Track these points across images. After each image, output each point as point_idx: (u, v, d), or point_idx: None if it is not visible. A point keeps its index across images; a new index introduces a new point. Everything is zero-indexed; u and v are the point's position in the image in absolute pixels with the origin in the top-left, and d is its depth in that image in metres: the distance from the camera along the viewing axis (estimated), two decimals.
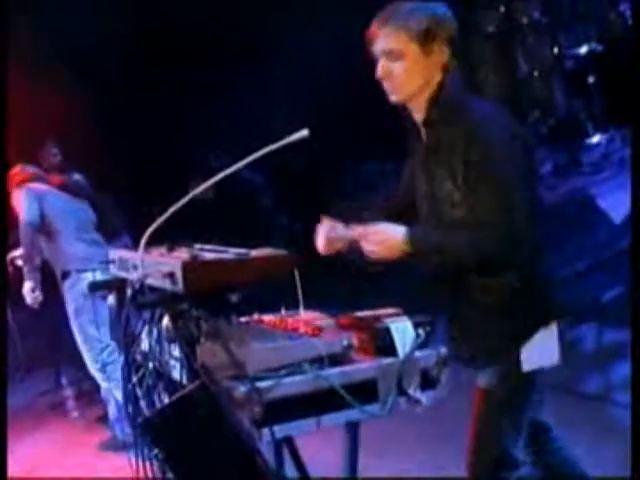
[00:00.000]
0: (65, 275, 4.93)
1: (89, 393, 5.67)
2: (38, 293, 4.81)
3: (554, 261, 2.75)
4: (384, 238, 2.39)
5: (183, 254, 2.12)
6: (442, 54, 2.46)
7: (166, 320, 2.00)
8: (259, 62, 7.45)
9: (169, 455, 1.94)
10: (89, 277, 4.51)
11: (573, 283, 5.00)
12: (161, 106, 7.39)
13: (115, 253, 2.46)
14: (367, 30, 2.50)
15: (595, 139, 5.95)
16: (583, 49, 6.09)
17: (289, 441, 2.40)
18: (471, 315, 2.47)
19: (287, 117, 7.10)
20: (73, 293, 4.81)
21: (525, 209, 2.36)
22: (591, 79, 6.06)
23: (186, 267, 1.93)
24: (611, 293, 5.02)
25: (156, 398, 2.21)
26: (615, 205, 5.32)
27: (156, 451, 2.00)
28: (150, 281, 2.07)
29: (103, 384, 4.82)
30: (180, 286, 1.94)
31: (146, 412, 2.17)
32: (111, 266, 2.47)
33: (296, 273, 2.15)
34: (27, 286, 4.80)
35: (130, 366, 2.23)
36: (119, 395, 4.37)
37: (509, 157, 2.37)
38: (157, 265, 2.07)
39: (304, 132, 2.34)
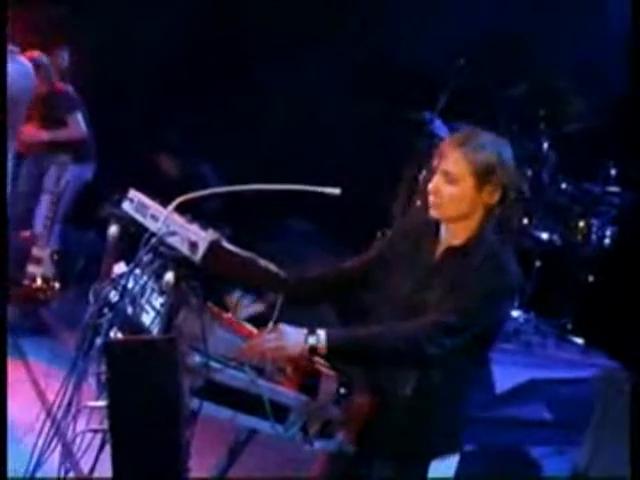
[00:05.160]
0: None
1: None
2: None
3: None
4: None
5: (204, 231, 2.43)
6: (492, 196, 2.66)
7: (169, 276, 2.30)
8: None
9: (113, 381, 2.23)
10: None
11: None
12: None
13: (135, 194, 2.73)
14: (442, 144, 2.75)
15: (515, 313, 6.42)
16: (545, 235, 6.59)
17: None
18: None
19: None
20: None
21: (460, 342, 2.61)
22: (537, 263, 6.58)
23: (212, 245, 2.25)
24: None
25: (112, 332, 2.49)
26: (502, 377, 5.68)
27: (103, 371, 2.30)
28: (169, 238, 2.38)
29: None
30: (198, 258, 2.26)
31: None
32: (127, 202, 2.73)
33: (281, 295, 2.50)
34: None
35: (106, 294, 2.52)
36: None
37: (491, 303, 2.63)
38: (181, 229, 2.38)
39: (336, 190, 2.69)
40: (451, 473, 2.82)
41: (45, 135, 6.13)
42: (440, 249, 2.78)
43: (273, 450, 3.26)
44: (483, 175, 2.65)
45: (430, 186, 2.72)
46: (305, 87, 7.44)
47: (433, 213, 2.74)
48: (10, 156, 5.07)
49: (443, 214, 2.73)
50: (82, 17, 7.17)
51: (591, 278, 6.47)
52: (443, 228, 2.79)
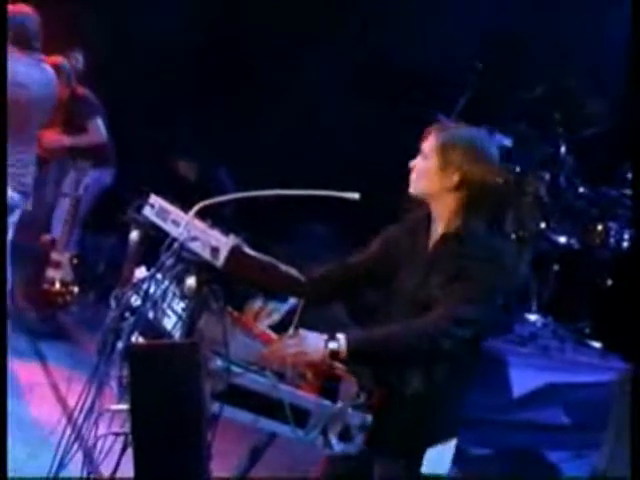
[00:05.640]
0: None
1: None
2: None
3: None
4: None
5: (225, 236, 2.44)
6: (451, 178, 2.80)
7: (191, 281, 2.32)
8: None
9: (135, 384, 2.25)
10: None
11: None
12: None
13: (156, 200, 2.75)
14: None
15: (532, 317, 6.41)
16: (562, 239, 6.57)
17: None
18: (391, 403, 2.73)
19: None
20: None
21: (470, 332, 2.70)
22: (555, 267, 6.56)
23: (234, 250, 2.27)
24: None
25: (134, 336, 2.51)
26: (519, 381, 5.66)
27: (124, 374, 2.32)
28: (191, 244, 2.40)
29: None
30: (220, 263, 2.27)
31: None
32: (147, 208, 2.76)
33: (302, 300, 2.52)
34: None
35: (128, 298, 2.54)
36: None
37: (494, 288, 2.76)
38: (203, 234, 2.39)
39: (355, 195, 2.72)
40: (450, 456, 2.88)
41: (67, 140, 6.16)
42: (432, 241, 2.89)
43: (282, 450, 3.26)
44: (444, 153, 2.81)
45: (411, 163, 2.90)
46: (313, 88, 7.47)
47: (410, 190, 2.89)
48: (30, 161, 5.11)
49: (414, 189, 2.89)
50: (95, 19, 7.22)
51: (609, 282, 6.43)
52: (434, 221, 2.90)
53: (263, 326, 2.68)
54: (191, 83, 7.74)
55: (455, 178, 2.81)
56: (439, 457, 2.81)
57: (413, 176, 2.89)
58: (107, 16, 7.33)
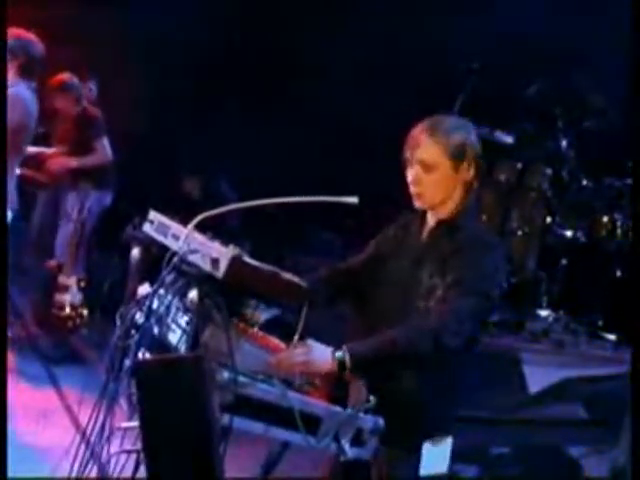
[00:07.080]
0: None
1: None
2: None
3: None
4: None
5: (225, 247, 2.43)
6: (468, 172, 2.82)
7: (193, 294, 2.32)
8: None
9: (144, 401, 2.24)
10: None
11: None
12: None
13: (155, 215, 2.75)
14: (410, 133, 2.85)
15: (544, 312, 6.39)
16: (569, 232, 6.56)
17: None
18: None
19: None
20: None
21: (472, 326, 2.70)
22: (563, 261, 6.55)
23: (234, 260, 2.27)
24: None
25: (140, 352, 2.50)
26: (535, 377, 5.64)
27: (133, 392, 2.31)
28: (191, 256, 2.40)
29: None
30: (220, 274, 2.27)
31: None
32: (147, 224, 2.76)
33: (305, 307, 2.51)
34: None
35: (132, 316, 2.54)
36: None
37: (492, 278, 2.75)
38: (202, 246, 2.39)
39: (354, 199, 2.71)
40: (447, 454, 2.84)
41: (74, 163, 6.16)
42: (427, 229, 2.89)
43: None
44: (456, 155, 2.79)
45: (409, 178, 2.83)
46: (316, 95, 7.47)
47: (418, 203, 2.85)
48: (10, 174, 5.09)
49: (428, 202, 2.84)
50: (98, 37, 7.24)
51: (619, 272, 6.41)
52: (430, 212, 2.90)
53: (260, 322, 2.66)
54: (194, 94, 7.79)
55: (472, 171, 2.84)
56: (437, 456, 2.79)
57: (420, 190, 2.81)
58: (108, 33, 7.35)
